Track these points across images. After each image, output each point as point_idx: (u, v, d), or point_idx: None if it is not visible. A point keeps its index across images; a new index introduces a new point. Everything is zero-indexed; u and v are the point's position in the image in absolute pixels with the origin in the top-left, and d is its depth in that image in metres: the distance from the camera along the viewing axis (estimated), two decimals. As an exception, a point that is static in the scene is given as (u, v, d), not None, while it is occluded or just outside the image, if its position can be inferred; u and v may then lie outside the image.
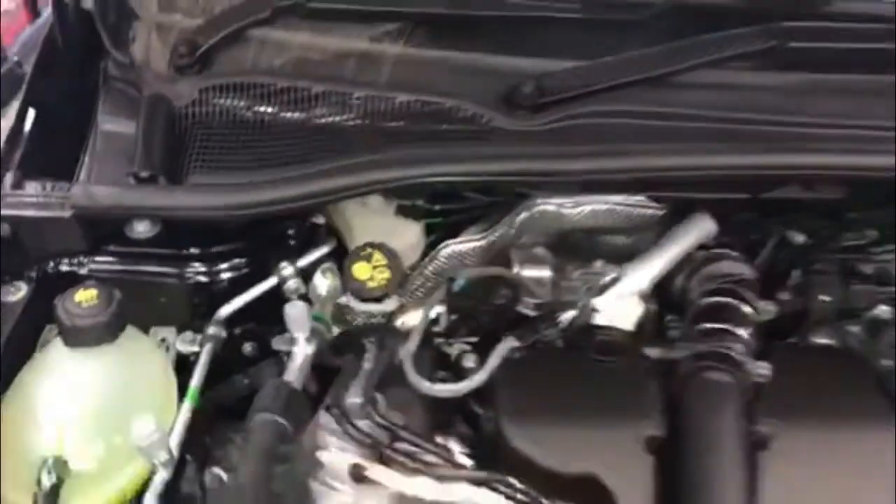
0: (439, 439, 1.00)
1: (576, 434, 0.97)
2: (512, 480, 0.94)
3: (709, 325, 1.05)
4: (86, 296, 0.95)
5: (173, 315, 1.09)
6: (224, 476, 0.95)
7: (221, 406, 1.05)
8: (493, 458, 0.98)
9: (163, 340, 1.07)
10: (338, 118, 1.11)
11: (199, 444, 0.99)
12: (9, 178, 1.06)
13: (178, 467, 0.95)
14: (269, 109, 1.12)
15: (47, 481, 0.88)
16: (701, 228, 1.16)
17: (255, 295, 1.09)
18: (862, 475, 0.95)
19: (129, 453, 0.92)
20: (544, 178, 1.07)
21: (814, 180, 1.17)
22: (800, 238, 1.20)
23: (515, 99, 1.10)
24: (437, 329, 1.12)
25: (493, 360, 1.02)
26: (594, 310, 1.12)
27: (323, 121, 1.12)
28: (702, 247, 1.17)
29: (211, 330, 1.06)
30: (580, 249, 1.20)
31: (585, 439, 0.97)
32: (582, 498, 0.94)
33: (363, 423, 0.97)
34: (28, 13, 1.41)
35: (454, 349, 1.11)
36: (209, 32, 1.19)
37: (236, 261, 1.10)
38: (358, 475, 0.94)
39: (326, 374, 1.07)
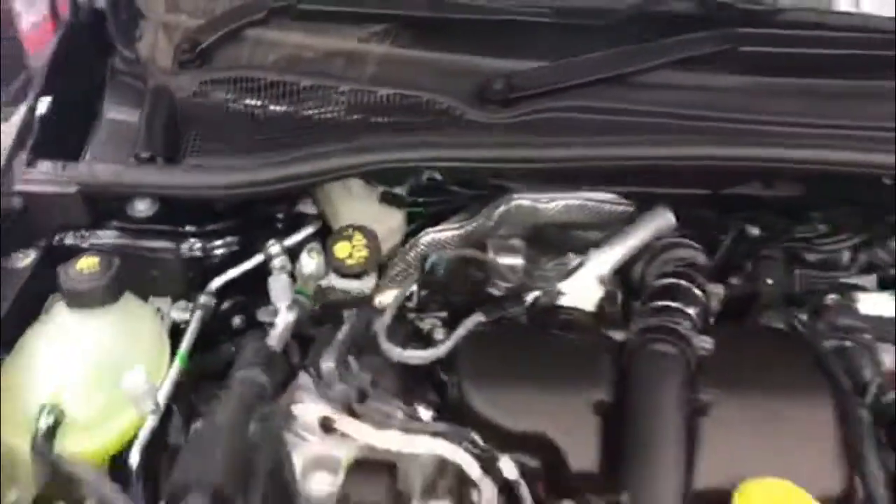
0: (408, 405, 1.05)
1: (530, 397, 1.03)
2: (473, 435, 0.99)
3: (660, 303, 1.10)
4: (87, 263, 1.01)
5: (169, 287, 1.14)
6: (206, 425, 1.00)
7: (208, 370, 1.10)
8: (456, 421, 1.02)
9: (158, 310, 1.14)
10: (323, 109, 1.20)
11: (186, 400, 1.05)
12: (23, 157, 1.13)
13: (165, 420, 1.01)
14: (262, 101, 1.21)
15: (44, 423, 0.94)
16: (661, 220, 1.23)
17: (244, 269, 1.15)
18: (796, 442, 0.99)
19: (122, 405, 0.99)
20: (508, 165, 1.15)
21: (768, 173, 1.23)
22: (755, 231, 1.26)
23: (487, 94, 1.18)
24: (410, 305, 1.18)
25: (460, 331, 1.08)
26: (559, 293, 1.18)
27: (310, 112, 1.20)
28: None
29: (202, 299, 1.12)
30: (554, 243, 1.26)
31: (539, 402, 1.02)
32: (534, 455, 0.99)
33: (335, 384, 1.03)
34: (52, 23, 1.50)
35: (426, 324, 1.16)
36: (209, 31, 1.29)
37: (229, 238, 1.16)
38: (327, 426, 0.99)
39: (308, 344, 1.12)
